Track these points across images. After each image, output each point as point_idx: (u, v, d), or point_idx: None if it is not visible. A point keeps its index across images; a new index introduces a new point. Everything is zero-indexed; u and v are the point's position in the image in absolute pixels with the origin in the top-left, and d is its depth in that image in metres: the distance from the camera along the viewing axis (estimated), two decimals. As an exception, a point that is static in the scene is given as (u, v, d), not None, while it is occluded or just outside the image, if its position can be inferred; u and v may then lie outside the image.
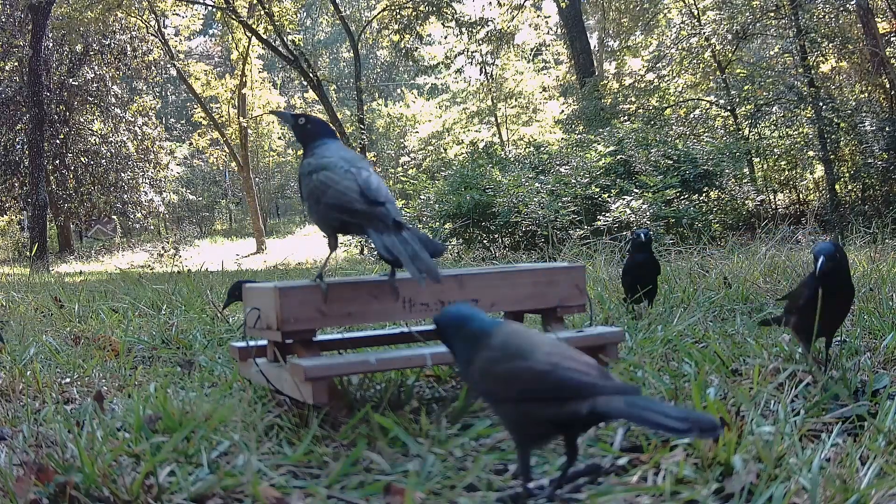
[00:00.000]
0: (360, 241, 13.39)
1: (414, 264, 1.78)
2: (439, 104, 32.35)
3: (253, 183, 28.02)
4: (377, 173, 2.04)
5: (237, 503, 1.46)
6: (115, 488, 1.44)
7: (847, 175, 15.67)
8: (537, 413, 1.30)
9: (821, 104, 15.25)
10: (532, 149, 14.90)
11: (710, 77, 18.83)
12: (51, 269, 14.41)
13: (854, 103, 15.99)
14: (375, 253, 12.22)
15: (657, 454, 1.52)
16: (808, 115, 15.83)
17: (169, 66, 25.20)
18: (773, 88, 16.63)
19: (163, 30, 24.90)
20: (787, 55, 17.20)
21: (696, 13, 19.02)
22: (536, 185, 11.18)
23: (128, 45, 23.17)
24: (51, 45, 20.83)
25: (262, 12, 20.16)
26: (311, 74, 20.34)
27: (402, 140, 33.70)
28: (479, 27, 21.42)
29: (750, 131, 16.98)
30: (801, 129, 16.67)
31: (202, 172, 36.87)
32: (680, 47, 19.28)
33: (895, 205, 12.03)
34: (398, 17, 20.30)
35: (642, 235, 3.41)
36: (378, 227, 1.86)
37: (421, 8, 19.86)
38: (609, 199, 10.71)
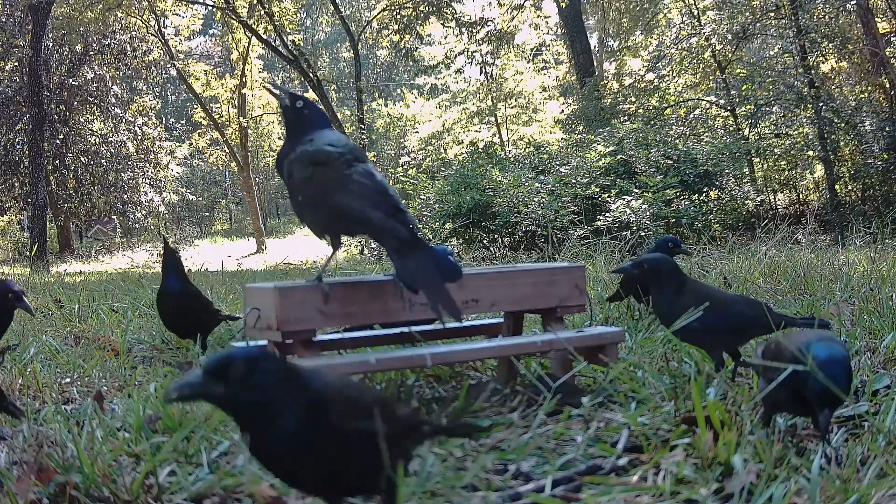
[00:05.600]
0: (360, 242, 13.37)
1: (439, 304, 1.71)
2: (439, 104, 32.34)
3: (253, 183, 28.00)
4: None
5: (236, 503, 1.45)
6: (115, 488, 1.44)
7: (847, 175, 15.67)
8: None
9: (821, 104, 15.25)
10: (532, 149, 14.89)
11: (710, 77, 18.82)
12: (51, 269, 14.39)
13: (854, 103, 15.98)
14: (376, 253, 12.22)
15: (657, 454, 1.52)
16: (808, 115, 15.83)
17: (169, 66, 25.18)
18: (773, 88, 16.62)
19: (163, 30, 24.89)
20: (787, 55, 17.20)
21: (696, 13, 19.02)
22: (536, 185, 11.18)
23: (128, 45, 23.15)
24: (51, 45, 20.80)
25: (262, 12, 20.15)
26: (311, 74, 20.34)
27: (402, 140, 33.68)
28: (479, 27, 21.41)
29: (750, 131, 16.97)
30: (801, 129, 16.68)
31: (202, 172, 36.84)
32: (680, 47, 19.28)
33: (895, 205, 12.03)
34: (398, 17, 20.29)
35: (670, 243, 3.13)
36: (393, 244, 1.77)
37: (421, 8, 19.85)
38: (609, 199, 10.71)
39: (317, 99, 21.93)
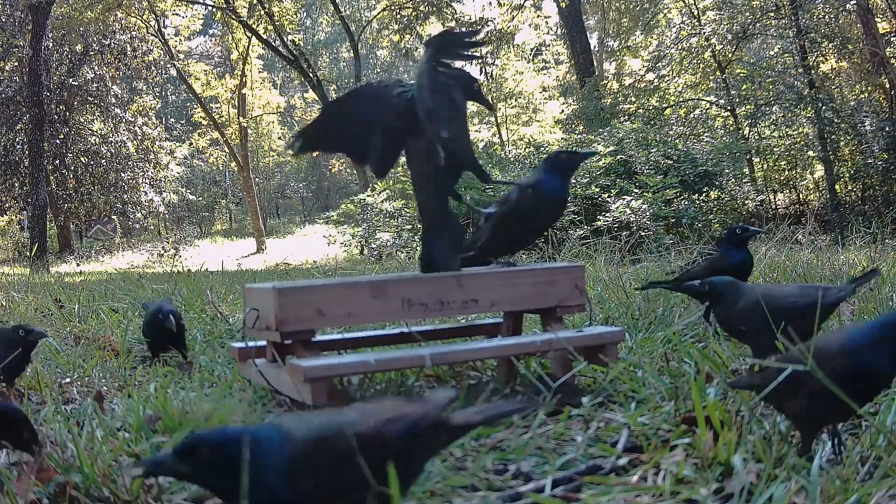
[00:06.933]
0: (360, 242, 13.38)
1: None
2: (439, 104, 32.31)
3: (253, 183, 28.01)
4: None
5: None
6: (115, 488, 1.44)
7: (847, 175, 15.68)
8: None
9: (821, 104, 15.26)
10: (532, 149, 14.89)
11: (710, 77, 18.83)
12: (51, 269, 14.39)
13: (854, 103, 16.00)
14: (375, 253, 12.20)
15: (657, 454, 1.52)
16: (808, 115, 15.84)
17: (169, 66, 25.20)
18: (773, 88, 16.63)
19: (163, 30, 24.90)
20: (787, 55, 17.20)
21: (696, 13, 19.03)
22: (536, 185, 11.17)
23: (128, 45, 23.15)
24: (51, 45, 20.81)
25: (262, 12, 20.18)
26: (311, 74, 20.36)
27: (402, 140, 33.64)
28: (479, 27, 21.41)
29: (750, 131, 16.98)
30: (801, 129, 16.68)
31: (202, 172, 36.85)
32: (680, 47, 19.28)
33: (895, 205, 12.04)
34: (398, 17, 20.31)
35: (738, 230, 3.01)
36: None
37: (421, 8, 19.87)
38: (609, 199, 10.71)
39: (316, 99, 21.96)
